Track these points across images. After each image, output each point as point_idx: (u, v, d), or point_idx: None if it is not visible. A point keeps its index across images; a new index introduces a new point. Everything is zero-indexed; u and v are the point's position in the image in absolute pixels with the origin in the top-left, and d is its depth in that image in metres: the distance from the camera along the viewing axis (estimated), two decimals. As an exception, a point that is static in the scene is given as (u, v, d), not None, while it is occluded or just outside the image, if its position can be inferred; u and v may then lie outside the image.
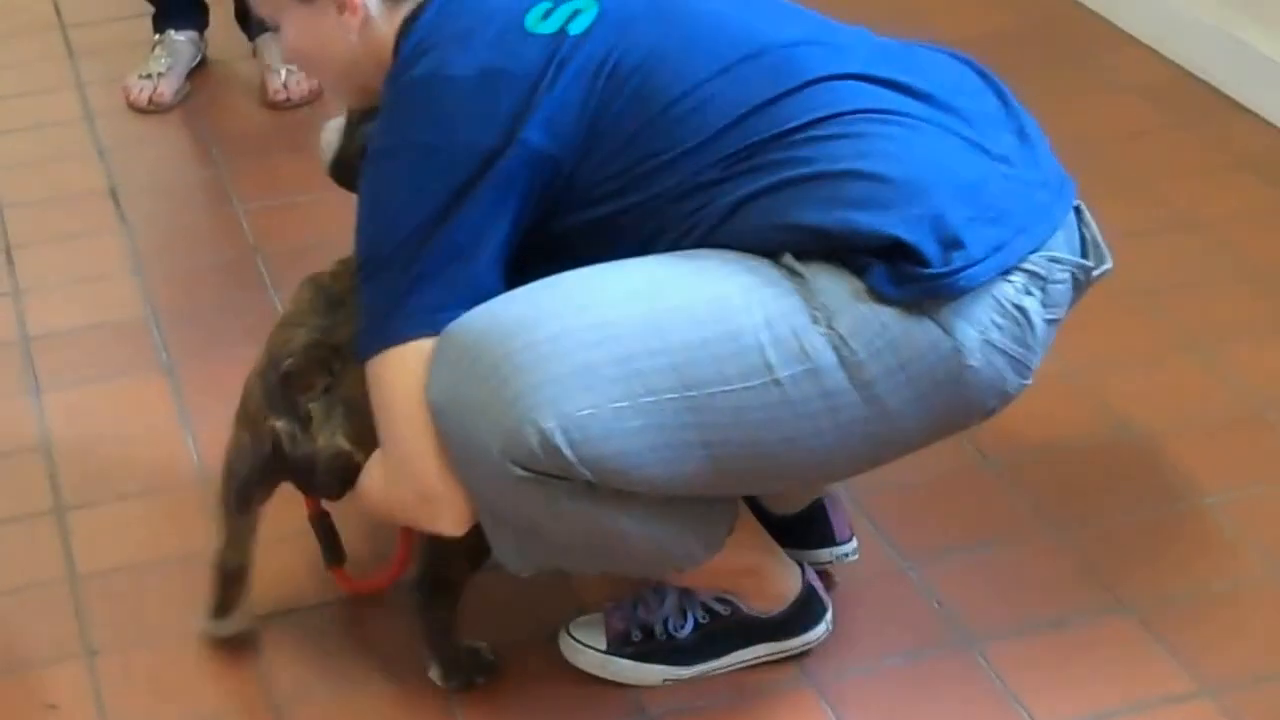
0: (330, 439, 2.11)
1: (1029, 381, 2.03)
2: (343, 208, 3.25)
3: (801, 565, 2.29)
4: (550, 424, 1.87)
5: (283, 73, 3.72)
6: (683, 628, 2.25)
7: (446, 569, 2.19)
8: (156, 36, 3.81)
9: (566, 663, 2.28)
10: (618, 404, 1.88)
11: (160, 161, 3.62)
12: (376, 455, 2.06)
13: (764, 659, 2.28)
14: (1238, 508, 2.55)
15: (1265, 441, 2.69)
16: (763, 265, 1.94)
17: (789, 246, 1.93)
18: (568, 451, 1.88)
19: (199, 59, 3.86)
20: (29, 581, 2.48)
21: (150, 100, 3.72)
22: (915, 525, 2.52)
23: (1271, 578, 2.43)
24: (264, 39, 3.78)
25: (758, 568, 2.23)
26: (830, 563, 2.38)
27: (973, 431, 2.66)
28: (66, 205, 3.42)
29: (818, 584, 2.30)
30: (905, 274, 1.90)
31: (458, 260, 1.96)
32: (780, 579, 2.26)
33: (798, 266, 1.92)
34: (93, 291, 3.14)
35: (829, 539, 2.38)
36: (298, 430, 2.11)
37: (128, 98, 3.75)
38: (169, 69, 3.76)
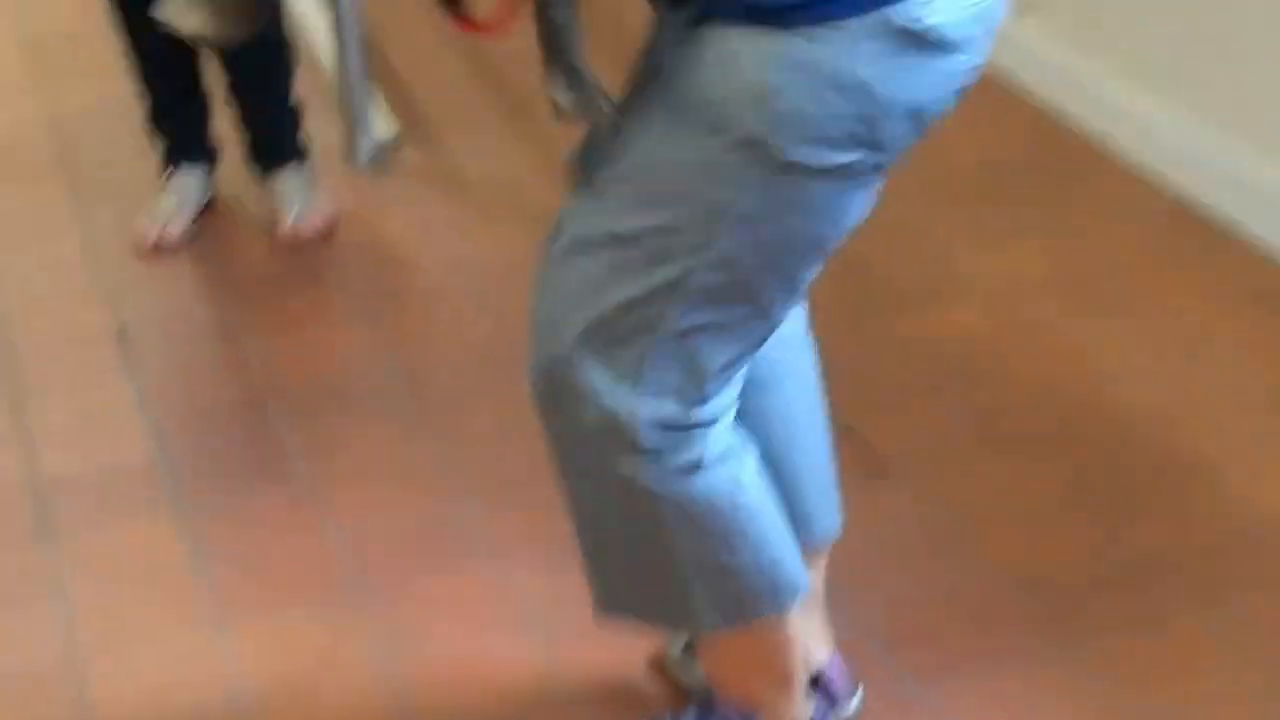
0: None
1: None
2: (350, 346, 3.28)
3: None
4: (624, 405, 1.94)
5: (294, 211, 3.75)
6: None
7: None
8: (165, 175, 3.81)
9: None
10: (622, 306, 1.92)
11: (169, 302, 3.62)
12: None
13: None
14: (1230, 624, 2.58)
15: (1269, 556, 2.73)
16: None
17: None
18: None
19: (208, 198, 3.85)
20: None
21: (158, 240, 3.72)
22: (921, 644, 2.54)
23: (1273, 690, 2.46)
24: (274, 176, 3.81)
25: (789, 676, 2.25)
26: (834, 724, 2.39)
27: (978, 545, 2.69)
28: (75, 347, 3.42)
29: None
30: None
31: None
32: (802, 703, 2.28)
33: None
34: (102, 434, 3.15)
35: (833, 703, 2.38)
36: None
37: (136, 238, 3.75)
38: (178, 209, 3.76)
